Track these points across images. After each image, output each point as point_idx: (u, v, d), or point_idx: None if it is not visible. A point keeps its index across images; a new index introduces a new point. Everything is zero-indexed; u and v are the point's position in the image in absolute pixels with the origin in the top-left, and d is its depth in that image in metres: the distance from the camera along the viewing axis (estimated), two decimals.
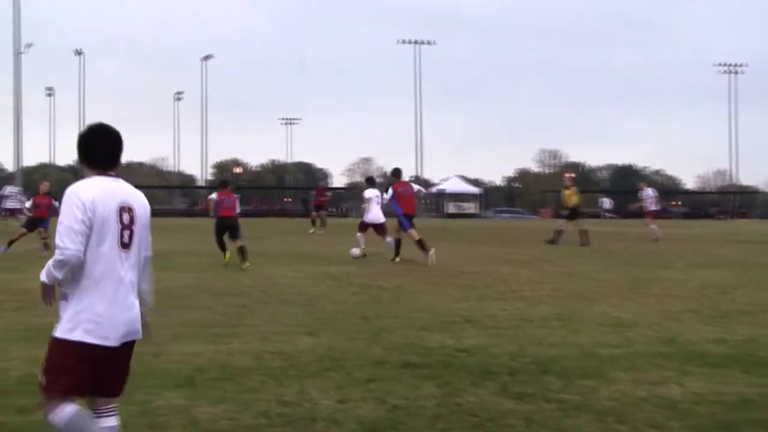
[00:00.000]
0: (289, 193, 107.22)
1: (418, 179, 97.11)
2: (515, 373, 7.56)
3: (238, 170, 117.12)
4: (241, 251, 17.93)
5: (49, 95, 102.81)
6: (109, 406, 4.72)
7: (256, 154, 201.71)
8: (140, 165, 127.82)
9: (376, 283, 14.85)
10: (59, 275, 4.43)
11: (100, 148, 4.64)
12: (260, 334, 9.39)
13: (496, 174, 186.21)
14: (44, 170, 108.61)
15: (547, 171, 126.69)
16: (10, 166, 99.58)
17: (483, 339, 9.26)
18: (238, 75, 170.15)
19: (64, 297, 4.51)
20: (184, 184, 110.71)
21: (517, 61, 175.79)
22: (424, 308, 11.69)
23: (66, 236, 4.37)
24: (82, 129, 4.69)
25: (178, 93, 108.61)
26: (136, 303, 4.67)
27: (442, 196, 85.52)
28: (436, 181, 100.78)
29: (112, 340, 4.47)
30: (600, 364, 8.02)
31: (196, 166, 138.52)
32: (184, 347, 8.54)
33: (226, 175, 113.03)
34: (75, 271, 4.42)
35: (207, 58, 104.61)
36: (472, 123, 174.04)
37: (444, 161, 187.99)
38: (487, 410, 6.34)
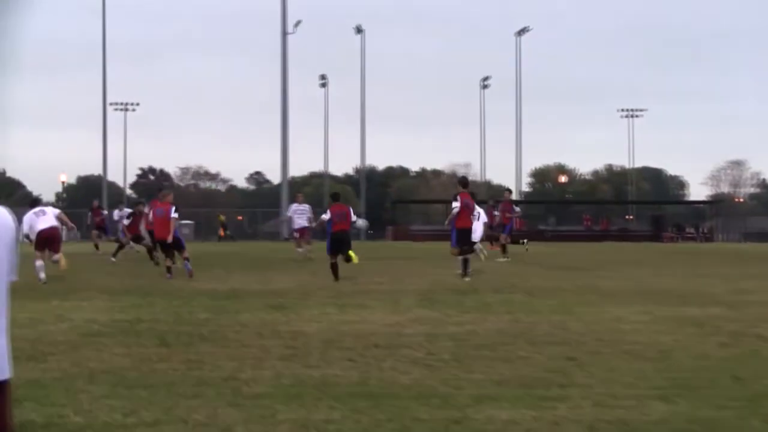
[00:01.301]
0: (632, 208, 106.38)
1: None
2: None
3: (562, 179, 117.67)
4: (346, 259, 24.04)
5: (323, 85, 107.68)
6: None
7: (586, 158, 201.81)
8: (435, 174, 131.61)
9: (753, 330, 14.34)
10: None
11: None
12: (595, 398, 9.27)
13: None
14: (316, 181, 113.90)
15: None
16: (276, 177, 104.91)
17: None
18: (560, 53, 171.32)
19: None
20: (493, 197, 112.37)
21: None
22: None
23: None
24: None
25: (485, 79, 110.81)
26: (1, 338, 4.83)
27: None
28: None
29: None
30: None
31: (508, 174, 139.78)
32: (493, 411, 8.55)
33: (507, 189, 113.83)
34: None
35: (522, 32, 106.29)
36: None
37: None
38: None
